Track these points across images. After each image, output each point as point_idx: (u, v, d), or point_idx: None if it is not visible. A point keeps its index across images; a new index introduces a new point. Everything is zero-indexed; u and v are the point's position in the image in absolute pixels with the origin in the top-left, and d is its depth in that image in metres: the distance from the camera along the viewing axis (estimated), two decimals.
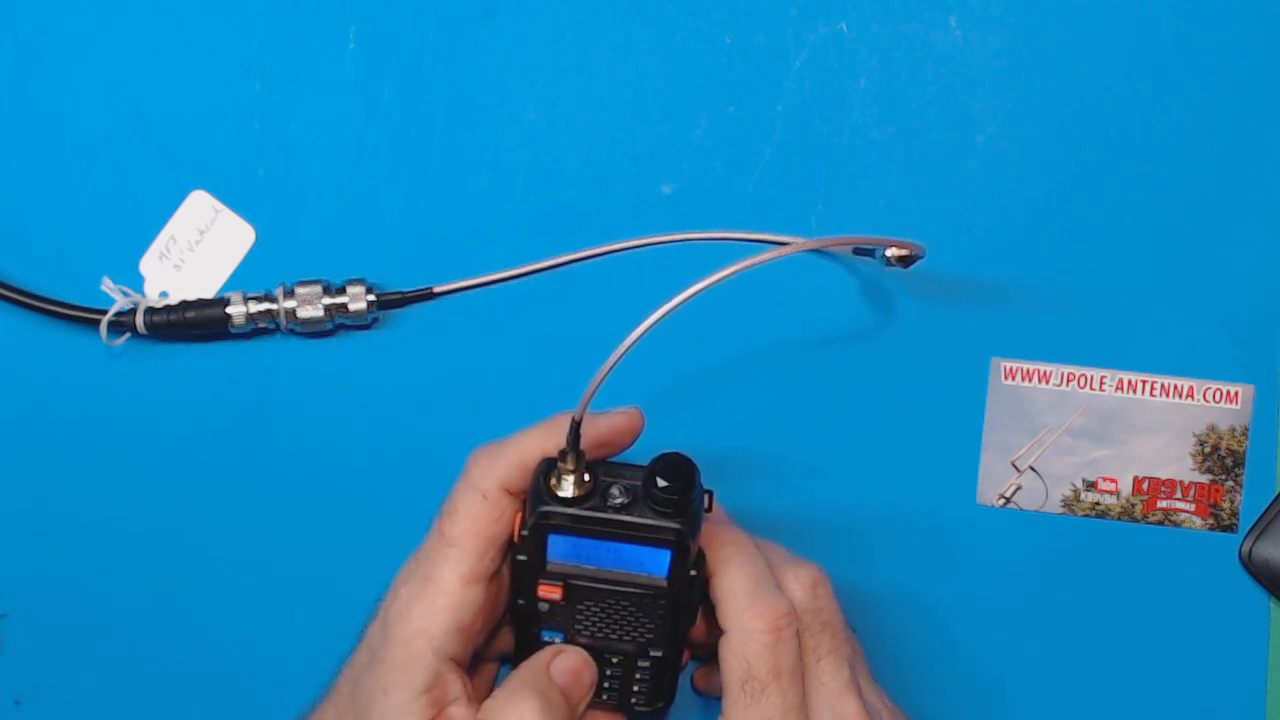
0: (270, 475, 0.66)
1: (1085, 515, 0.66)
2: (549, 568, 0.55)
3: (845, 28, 0.67)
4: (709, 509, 0.55)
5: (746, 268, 0.49)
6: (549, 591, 0.55)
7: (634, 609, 0.56)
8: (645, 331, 0.49)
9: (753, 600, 0.54)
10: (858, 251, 0.62)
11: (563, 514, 0.53)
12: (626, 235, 0.65)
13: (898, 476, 0.65)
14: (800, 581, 0.56)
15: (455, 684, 0.55)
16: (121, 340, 0.65)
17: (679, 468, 0.52)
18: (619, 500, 0.53)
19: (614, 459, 0.56)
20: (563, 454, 0.52)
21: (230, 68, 0.67)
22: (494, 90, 0.67)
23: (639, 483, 0.53)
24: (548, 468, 0.53)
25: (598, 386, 0.50)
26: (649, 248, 0.66)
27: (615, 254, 0.66)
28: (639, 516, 0.53)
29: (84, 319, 0.65)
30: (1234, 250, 0.66)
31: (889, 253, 0.57)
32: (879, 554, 0.65)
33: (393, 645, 0.55)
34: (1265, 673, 0.64)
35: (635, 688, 0.59)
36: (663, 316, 0.49)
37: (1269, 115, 0.66)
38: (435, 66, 0.67)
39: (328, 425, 0.66)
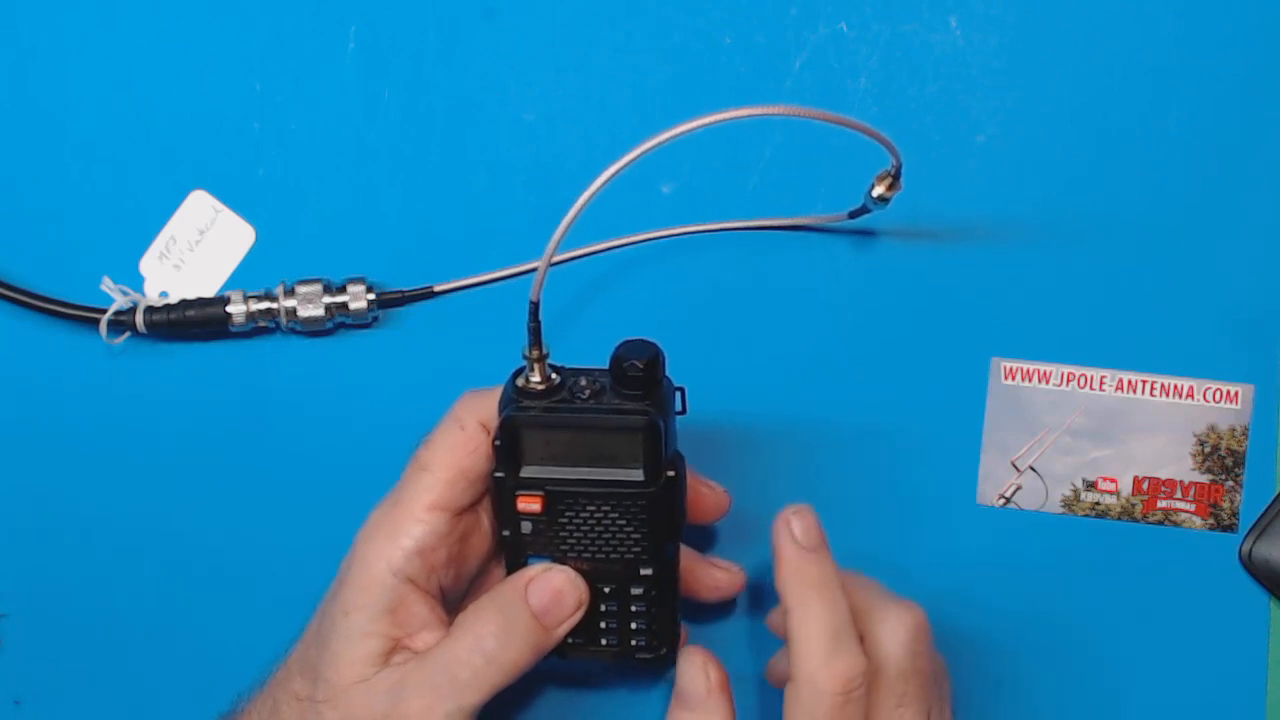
0: (270, 475, 0.66)
1: (1085, 515, 0.65)
2: (524, 474, 0.55)
3: (845, 28, 0.67)
4: (683, 410, 0.56)
5: (717, 121, 0.49)
6: (529, 504, 0.55)
7: (615, 515, 0.56)
8: (599, 188, 0.50)
9: (830, 657, 0.52)
10: (853, 214, 0.62)
11: (533, 407, 0.54)
12: (626, 235, 0.66)
13: (898, 476, 0.65)
14: (898, 630, 0.54)
15: (421, 609, 0.55)
16: (121, 339, 0.65)
17: (642, 346, 0.53)
18: (587, 392, 0.54)
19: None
20: (526, 348, 0.53)
21: (230, 68, 0.67)
22: (494, 90, 0.67)
23: (605, 378, 0.54)
24: (514, 374, 0.54)
25: (551, 256, 0.51)
26: (648, 245, 0.66)
27: (614, 251, 0.66)
28: (608, 403, 0.54)
29: (84, 319, 0.65)
30: (1234, 250, 0.66)
31: (875, 191, 0.57)
32: (879, 553, 0.65)
33: (354, 566, 0.55)
34: (1265, 673, 0.64)
35: (633, 624, 0.58)
36: (621, 169, 0.50)
37: (1269, 115, 0.66)
38: (435, 66, 0.67)
39: (328, 425, 0.66)
